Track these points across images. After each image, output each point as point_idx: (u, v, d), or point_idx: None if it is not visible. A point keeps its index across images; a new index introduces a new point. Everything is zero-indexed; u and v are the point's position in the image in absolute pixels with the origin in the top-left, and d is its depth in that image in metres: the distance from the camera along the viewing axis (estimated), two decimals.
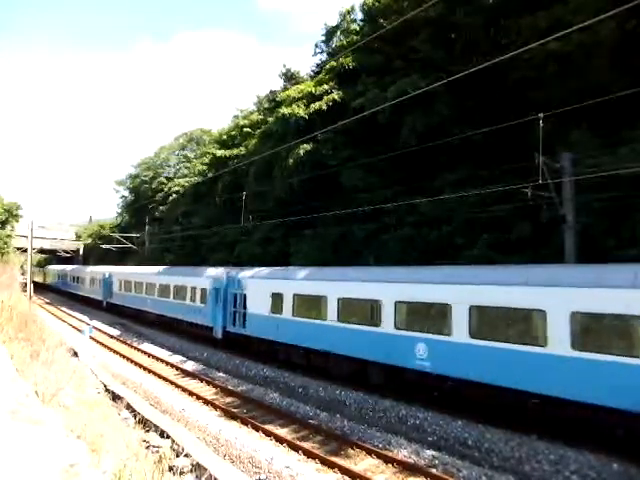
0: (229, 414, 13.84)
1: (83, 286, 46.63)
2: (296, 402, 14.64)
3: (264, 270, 20.76)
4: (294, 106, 25.91)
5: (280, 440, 11.73)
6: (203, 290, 23.91)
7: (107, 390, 15.19)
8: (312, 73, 31.23)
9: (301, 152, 24.60)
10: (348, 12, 28.95)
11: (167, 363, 20.97)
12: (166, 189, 50.98)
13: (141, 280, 32.31)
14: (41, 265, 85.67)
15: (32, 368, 9.98)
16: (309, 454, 10.88)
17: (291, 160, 25.36)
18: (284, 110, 26.37)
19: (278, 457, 10.48)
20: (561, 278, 10.66)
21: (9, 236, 55.90)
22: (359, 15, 28.35)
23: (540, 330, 10.65)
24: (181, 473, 8.49)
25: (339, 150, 24.16)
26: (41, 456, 4.42)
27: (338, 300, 15.58)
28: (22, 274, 60.06)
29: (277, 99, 30.14)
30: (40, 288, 62.61)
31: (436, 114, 20.02)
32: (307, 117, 25.29)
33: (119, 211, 66.41)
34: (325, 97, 25.19)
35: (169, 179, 53.42)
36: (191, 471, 8.93)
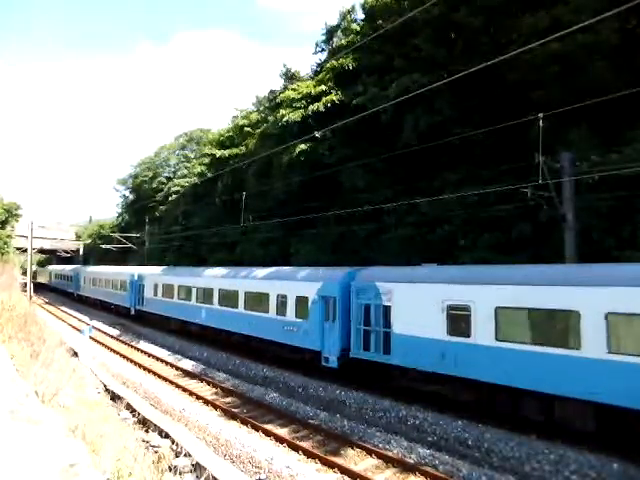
0: (229, 414, 13.84)
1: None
2: (296, 402, 14.64)
3: None
4: (290, 112, 25.88)
5: (280, 440, 11.74)
6: None
7: (107, 390, 15.21)
8: (312, 73, 31.18)
9: (297, 151, 24.57)
10: (348, 12, 28.92)
11: (167, 363, 20.97)
12: (166, 189, 50.98)
13: None
14: (42, 264, 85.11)
15: (32, 368, 9.97)
16: (309, 454, 10.88)
17: (285, 157, 25.36)
18: (282, 113, 26.37)
19: (278, 457, 10.48)
20: None
21: (9, 236, 55.86)
22: (359, 15, 28.38)
23: None
24: (181, 473, 8.50)
25: (338, 150, 24.16)
26: (41, 456, 4.41)
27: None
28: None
29: (277, 99, 30.11)
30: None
31: (438, 113, 20.02)
32: (304, 120, 25.28)
33: (119, 211, 66.43)
34: (324, 98, 25.18)
35: (169, 179, 53.41)
36: (191, 471, 8.94)
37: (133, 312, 32.59)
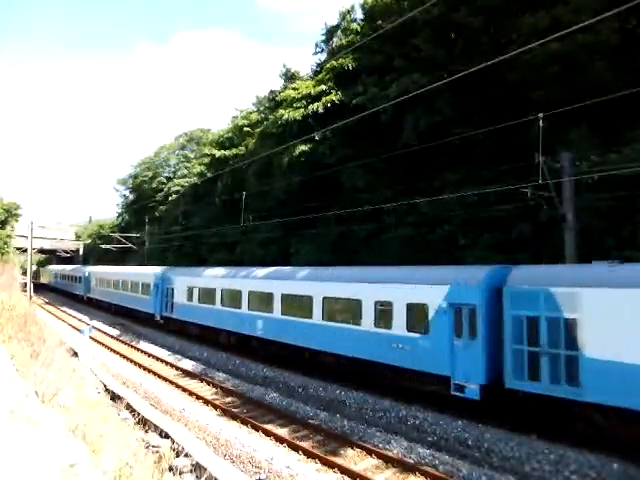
0: (229, 414, 13.84)
1: None
2: (296, 402, 14.64)
3: None
4: (291, 111, 25.88)
5: (280, 440, 11.74)
6: None
7: (107, 390, 15.21)
8: (312, 73, 31.20)
9: (297, 151, 24.57)
10: (348, 12, 28.94)
11: (167, 363, 20.97)
12: (166, 189, 51.03)
13: None
14: (41, 264, 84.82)
15: (32, 368, 9.95)
16: (309, 454, 10.89)
17: (285, 157, 25.38)
18: (282, 112, 26.40)
19: (278, 457, 10.48)
20: None
21: (9, 236, 55.88)
22: (359, 15, 28.39)
23: None
24: (181, 473, 8.50)
25: (338, 150, 24.17)
26: (41, 456, 4.41)
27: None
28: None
29: (277, 99, 30.15)
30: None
31: (438, 113, 20.02)
32: (304, 119, 25.28)
33: (119, 211, 66.45)
34: (323, 98, 25.19)
35: (169, 179, 53.45)
36: (191, 471, 8.94)
37: (159, 319, 28.83)
